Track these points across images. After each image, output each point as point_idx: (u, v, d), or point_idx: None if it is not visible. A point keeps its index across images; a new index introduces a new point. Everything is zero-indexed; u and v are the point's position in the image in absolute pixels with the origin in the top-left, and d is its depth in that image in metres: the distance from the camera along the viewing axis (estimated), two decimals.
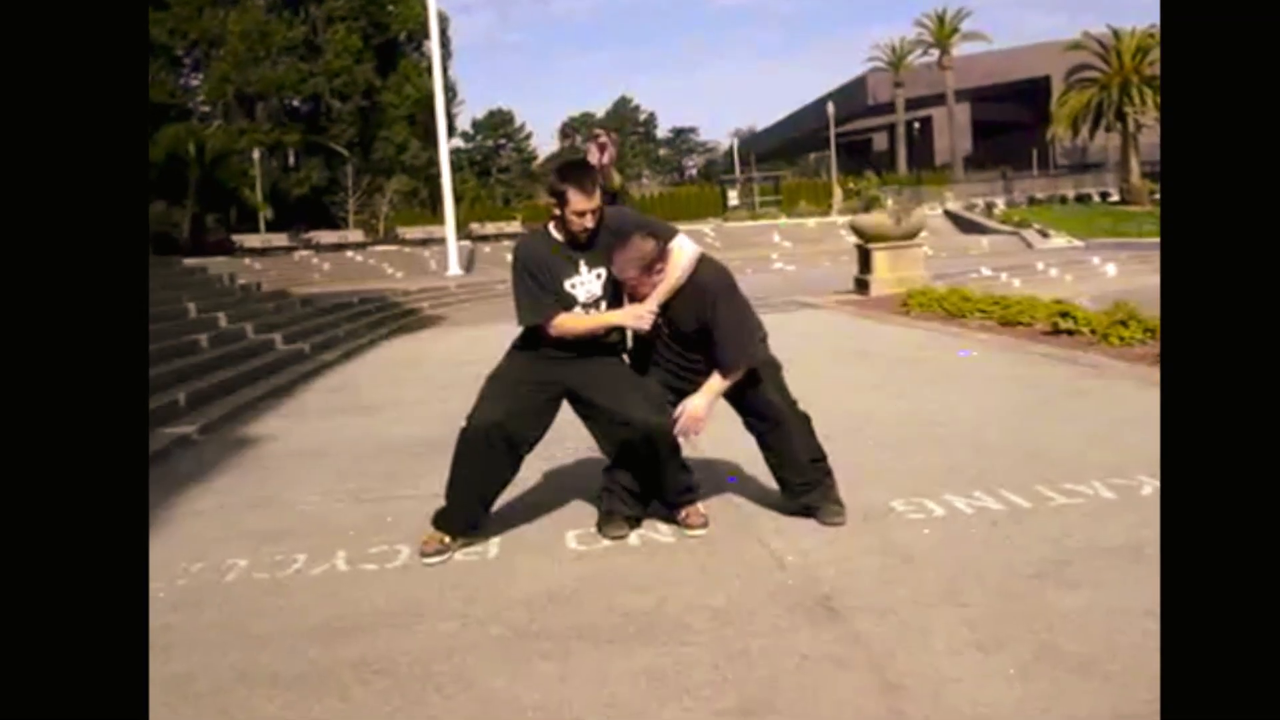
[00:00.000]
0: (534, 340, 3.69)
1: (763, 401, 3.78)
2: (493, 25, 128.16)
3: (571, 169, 3.60)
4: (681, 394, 3.73)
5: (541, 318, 3.61)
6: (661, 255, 3.55)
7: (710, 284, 3.66)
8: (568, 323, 3.61)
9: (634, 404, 3.61)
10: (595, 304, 3.64)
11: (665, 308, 3.61)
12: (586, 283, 3.62)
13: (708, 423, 3.76)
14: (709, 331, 3.62)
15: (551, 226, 3.65)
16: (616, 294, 3.66)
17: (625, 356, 3.84)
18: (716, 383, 3.67)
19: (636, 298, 3.62)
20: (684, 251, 3.62)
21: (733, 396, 3.79)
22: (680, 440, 3.76)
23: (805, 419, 3.86)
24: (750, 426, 3.89)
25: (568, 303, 3.61)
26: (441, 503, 3.76)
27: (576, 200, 3.49)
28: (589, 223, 3.53)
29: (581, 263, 3.61)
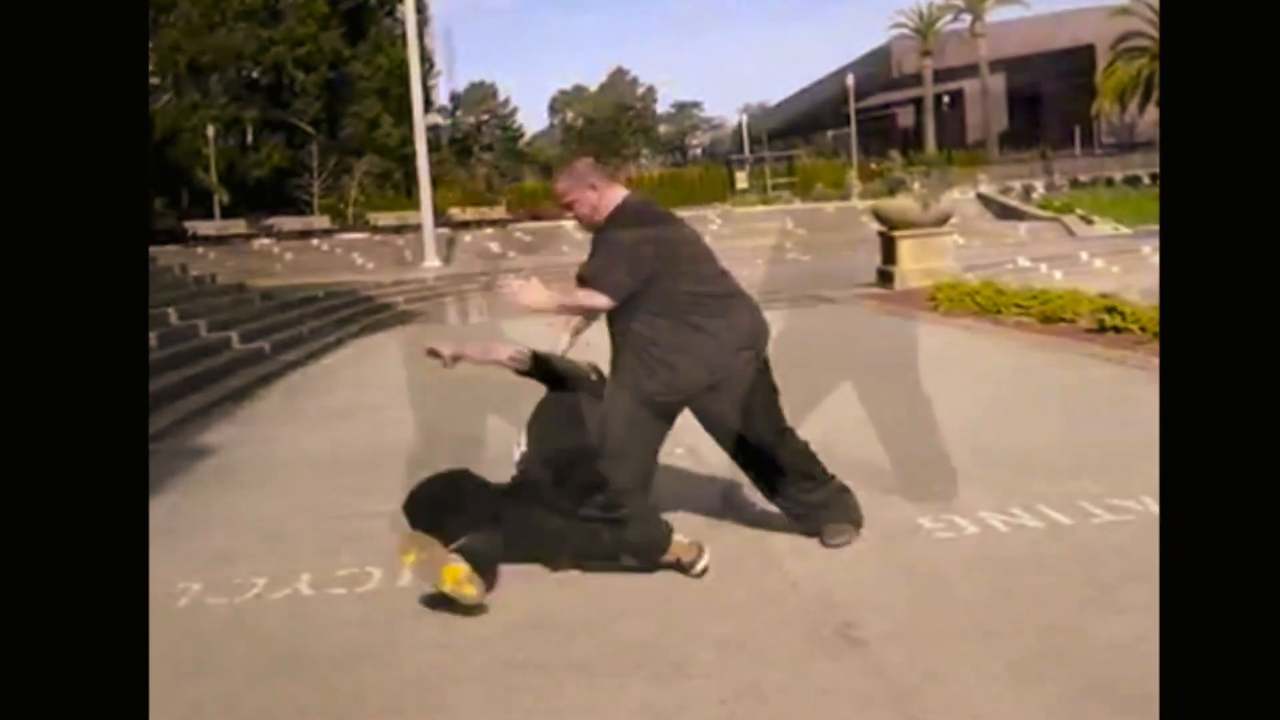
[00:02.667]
0: None
1: (754, 436, 3.68)
2: None
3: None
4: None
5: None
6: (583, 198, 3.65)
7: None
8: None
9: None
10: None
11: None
12: None
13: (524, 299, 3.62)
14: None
15: None
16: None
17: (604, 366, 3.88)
18: (562, 295, 3.73)
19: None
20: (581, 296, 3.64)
21: (719, 432, 3.75)
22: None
23: (803, 448, 3.78)
24: (744, 466, 3.89)
25: None
26: None
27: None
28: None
29: None
